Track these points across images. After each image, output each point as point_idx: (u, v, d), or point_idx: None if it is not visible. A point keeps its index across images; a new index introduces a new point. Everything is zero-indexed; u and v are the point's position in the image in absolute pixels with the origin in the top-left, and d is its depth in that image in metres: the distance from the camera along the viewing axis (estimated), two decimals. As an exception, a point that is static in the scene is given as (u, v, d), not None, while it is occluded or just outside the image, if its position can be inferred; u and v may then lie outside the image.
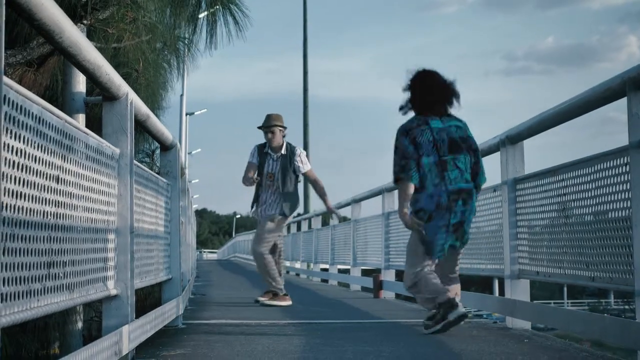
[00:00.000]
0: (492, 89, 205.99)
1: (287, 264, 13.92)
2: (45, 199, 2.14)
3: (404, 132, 4.49)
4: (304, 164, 6.81)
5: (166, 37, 5.75)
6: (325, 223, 13.52)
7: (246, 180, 6.78)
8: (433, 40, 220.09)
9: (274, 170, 6.75)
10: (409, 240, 4.59)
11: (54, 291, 2.22)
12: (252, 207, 6.97)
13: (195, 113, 34.05)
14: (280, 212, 6.73)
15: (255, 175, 6.73)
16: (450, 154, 4.44)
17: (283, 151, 6.78)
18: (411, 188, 4.41)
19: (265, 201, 6.77)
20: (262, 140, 6.87)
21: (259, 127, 6.87)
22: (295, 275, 14.94)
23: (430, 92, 4.57)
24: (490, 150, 5.11)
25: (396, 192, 8.37)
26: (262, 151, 6.81)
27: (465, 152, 4.49)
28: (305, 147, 20.37)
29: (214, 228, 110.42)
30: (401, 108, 4.67)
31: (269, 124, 6.80)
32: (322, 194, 7.07)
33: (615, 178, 3.42)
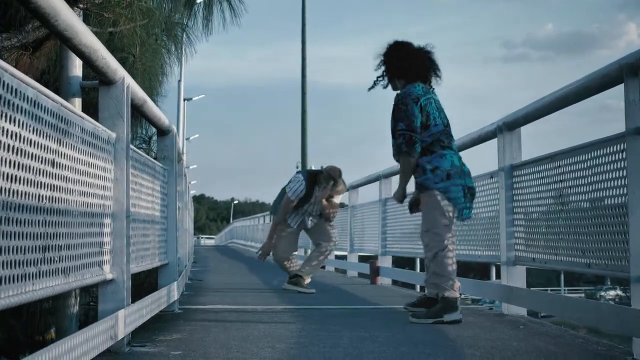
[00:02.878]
0: (491, 76, 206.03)
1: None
2: (41, 182, 2.14)
3: (415, 98, 4.30)
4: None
5: (163, 22, 5.73)
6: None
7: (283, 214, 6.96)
8: (433, 27, 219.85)
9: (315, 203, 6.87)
10: (428, 214, 4.32)
11: (49, 275, 2.22)
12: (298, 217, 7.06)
13: (193, 98, 33.99)
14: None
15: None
16: (449, 125, 4.44)
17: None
18: (412, 165, 4.30)
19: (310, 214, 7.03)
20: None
21: (330, 179, 6.72)
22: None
23: (421, 62, 4.47)
24: (487, 137, 5.11)
25: (393, 178, 8.32)
26: (311, 184, 6.76)
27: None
28: (303, 134, 20.32)
29: (212, 214, 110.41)
30: (375, 83, 4.52)
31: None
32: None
33: (612, 165, 3.42)
